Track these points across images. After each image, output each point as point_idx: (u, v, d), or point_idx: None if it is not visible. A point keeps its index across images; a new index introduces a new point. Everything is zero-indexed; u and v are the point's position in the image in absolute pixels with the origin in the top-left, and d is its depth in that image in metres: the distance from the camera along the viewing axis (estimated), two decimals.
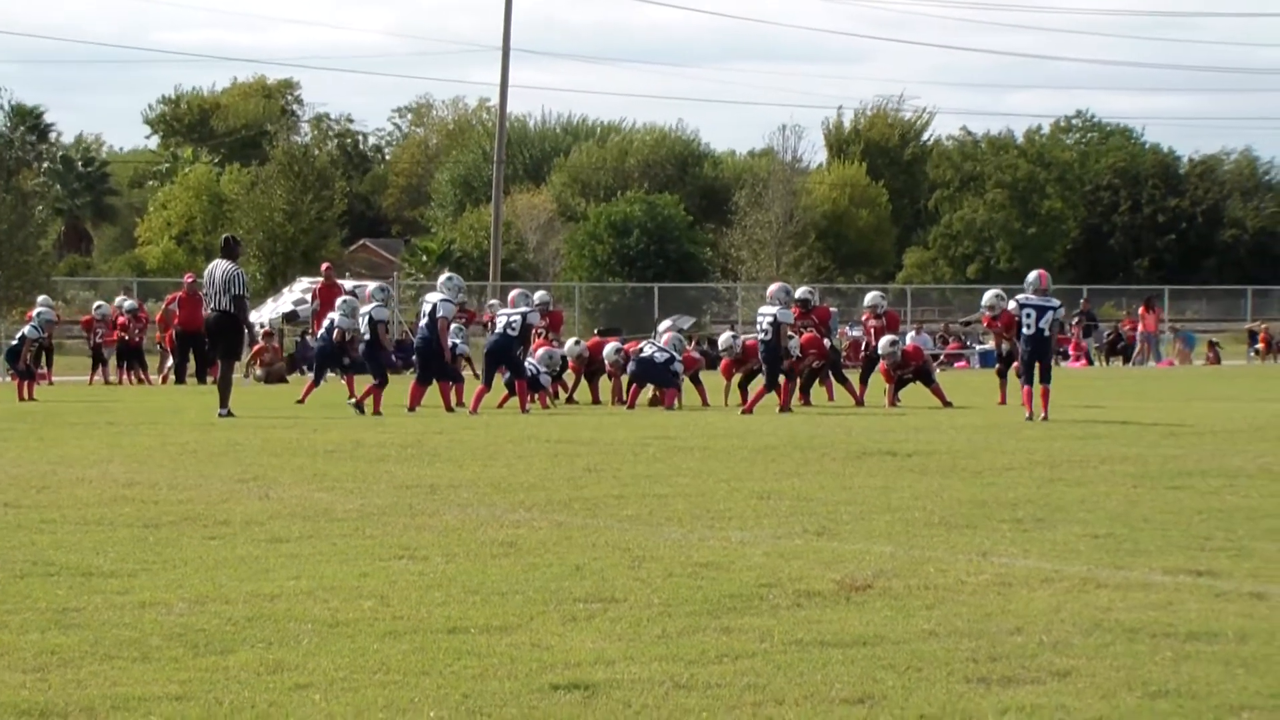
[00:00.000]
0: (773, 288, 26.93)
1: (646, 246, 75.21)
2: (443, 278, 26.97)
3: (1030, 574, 9.34)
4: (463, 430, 20.96)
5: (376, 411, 24.33)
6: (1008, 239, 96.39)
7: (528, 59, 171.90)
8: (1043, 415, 22.19)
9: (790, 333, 26.00)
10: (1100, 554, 10.12)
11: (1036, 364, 22.65)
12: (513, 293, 28.05)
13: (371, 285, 26.68)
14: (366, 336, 26.03)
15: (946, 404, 26.36)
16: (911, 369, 27.50)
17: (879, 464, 16.04)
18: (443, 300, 25.52)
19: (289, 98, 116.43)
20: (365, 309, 26.52)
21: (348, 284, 42.43)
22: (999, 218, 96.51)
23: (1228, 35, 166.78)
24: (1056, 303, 23.21)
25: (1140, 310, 53.42)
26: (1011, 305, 24.20)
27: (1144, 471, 15.12)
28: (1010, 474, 15.00)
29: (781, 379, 25.47)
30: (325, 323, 30.27)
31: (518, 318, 25.96)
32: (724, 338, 29.05)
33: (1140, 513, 12.08)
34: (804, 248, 72.10)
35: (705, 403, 27.18)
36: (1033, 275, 23.54)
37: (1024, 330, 22.83)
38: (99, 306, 40.13)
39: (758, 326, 26.06)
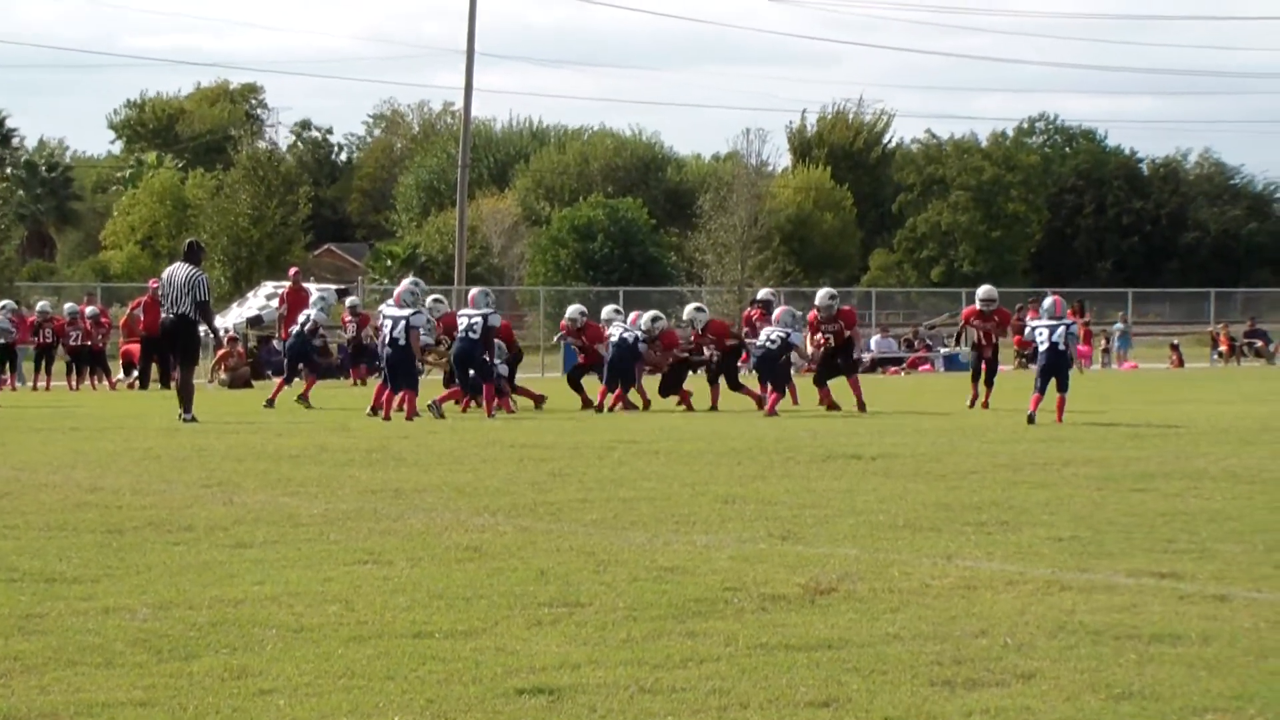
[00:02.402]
0: (779, 311, 27.17)
1: (611, 250, 75.16)
2: (406, 281, 26.41)
3: (995, 577, 9.36)
4: (427, 435, 20.92)
5: (409, 417, 24.06)
6: (972, 242, 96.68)
7: (494, 63, 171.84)
8: (1056, 419, 22.49)
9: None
10: (1064, 557, 10.14)
11: (1053, 378, 22.90)
12: (472, 292, 27.79)
13: (405, 282, 25.56)
14: (401, 342, 24.48)
15: (861, 406, 25.86)
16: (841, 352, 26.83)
17: (844, 467, 16.06)
18: (414, 313, 24.79)
19: (253, 102, 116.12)
20: (402, 313, 24.67)
21: (313, 288, 42.36)
22: (963, 221, 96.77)
23: (1190, 39, 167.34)
24: (1069, 320, 24.01)
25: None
26: (1026, 331, 24.74)
27: (1108, 474, 15.16)
28: (974, 477, 15.03)
29: (745, 382, 25.62)
30: (300, 318, 30.19)
31: (478, 319, 25.26)
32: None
33: (1104, 515, 12.11)
34: (769, 251, 71.95)
35: (646, 405, 27.15)
36: (1048, 302, 24.20)
37: (1039, 346, 23.33)
38: (69, 308, 39.95)
39: (764, 339, 26.28)
